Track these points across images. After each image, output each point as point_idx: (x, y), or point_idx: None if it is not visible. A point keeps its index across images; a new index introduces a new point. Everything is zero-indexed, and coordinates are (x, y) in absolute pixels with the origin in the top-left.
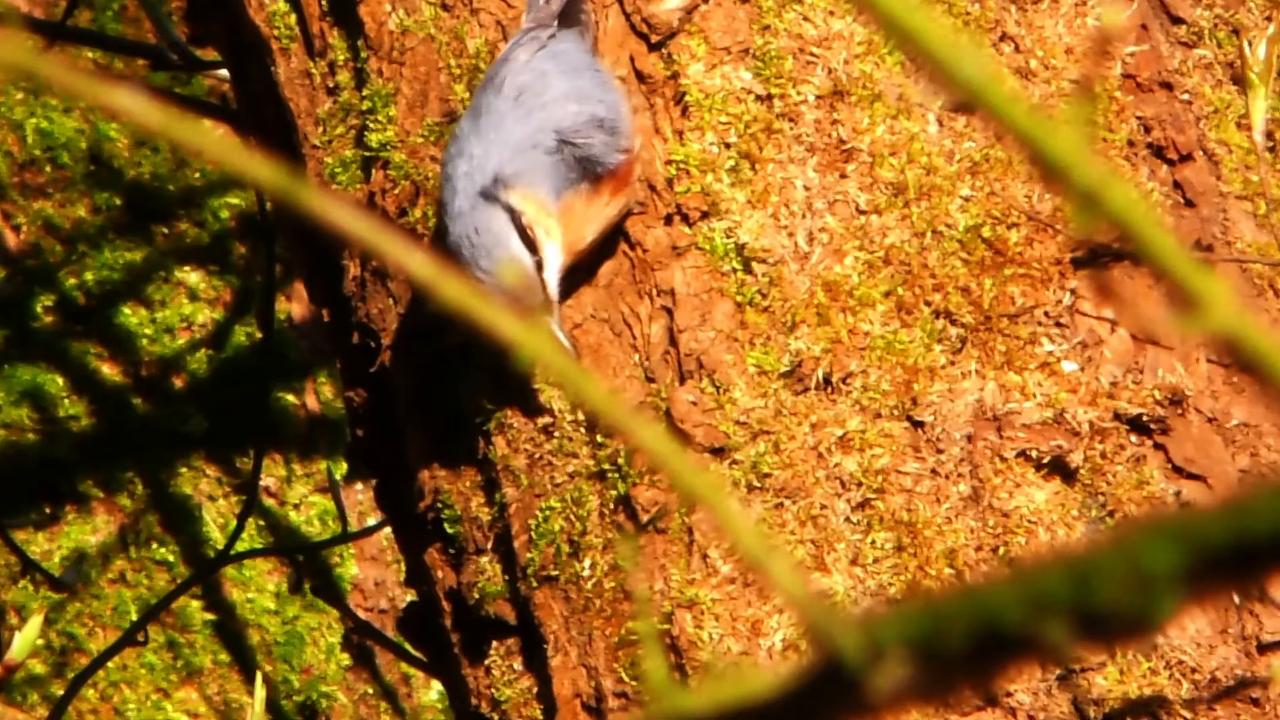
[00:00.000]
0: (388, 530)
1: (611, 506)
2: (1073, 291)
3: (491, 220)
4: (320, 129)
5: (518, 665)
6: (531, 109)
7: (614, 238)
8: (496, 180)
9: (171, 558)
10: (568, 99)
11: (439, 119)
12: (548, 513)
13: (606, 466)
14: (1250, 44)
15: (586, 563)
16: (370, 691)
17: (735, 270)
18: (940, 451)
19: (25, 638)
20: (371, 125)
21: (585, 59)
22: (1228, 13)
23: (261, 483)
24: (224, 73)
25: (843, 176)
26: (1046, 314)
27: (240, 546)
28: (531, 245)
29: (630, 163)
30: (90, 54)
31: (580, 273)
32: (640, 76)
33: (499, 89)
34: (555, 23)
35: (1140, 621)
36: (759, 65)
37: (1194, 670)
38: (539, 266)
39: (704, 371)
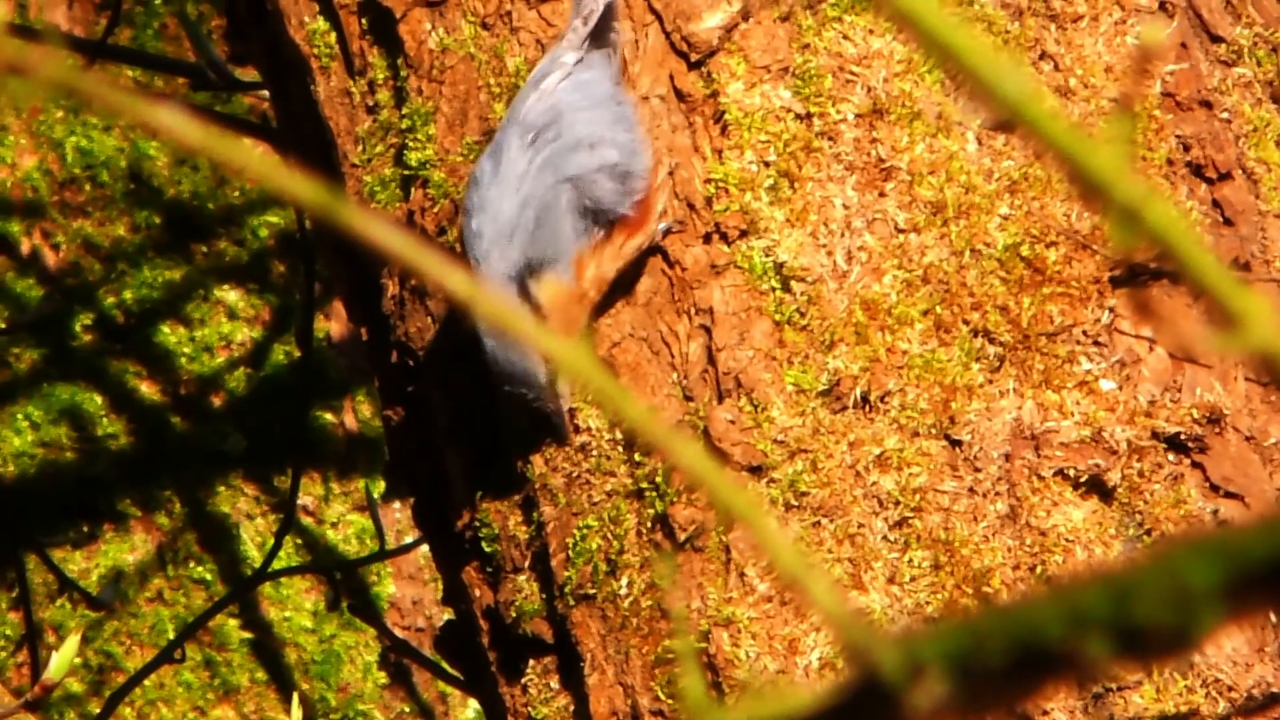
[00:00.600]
0: (425, 548)
1: (649, 525)
2: (1111, 310)
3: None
4: (360, 147)
5: (554, 683)
6: (548, 158)
7: (643, 260)
8: (527, 267)
9: (209, 576)
10: (580, 146)
11: (478, 137)
12: (585, 531)
13: (644, 485)
14: None
15: (624, 581)
16: (407, 710)
17: (774, 289)
18: (978, 470)
19: (63, 657)
20: (411, 144)
21: (608, 90)
22: (1268, 31)
23: (299, 501)
24: (264, 91)
25: (881, 195)
26: (1085, 333)
27: (278, 565)
28: None
29: (647, 202)
30: (130, 72)
31: (614, 293)
32: (680, 95)
33: (521, 126)
34: (585, 44)
35: (1178, 639)
36: (798, 84)
37: (1230, 689)
38: (552, 373)
39: (742, 390)
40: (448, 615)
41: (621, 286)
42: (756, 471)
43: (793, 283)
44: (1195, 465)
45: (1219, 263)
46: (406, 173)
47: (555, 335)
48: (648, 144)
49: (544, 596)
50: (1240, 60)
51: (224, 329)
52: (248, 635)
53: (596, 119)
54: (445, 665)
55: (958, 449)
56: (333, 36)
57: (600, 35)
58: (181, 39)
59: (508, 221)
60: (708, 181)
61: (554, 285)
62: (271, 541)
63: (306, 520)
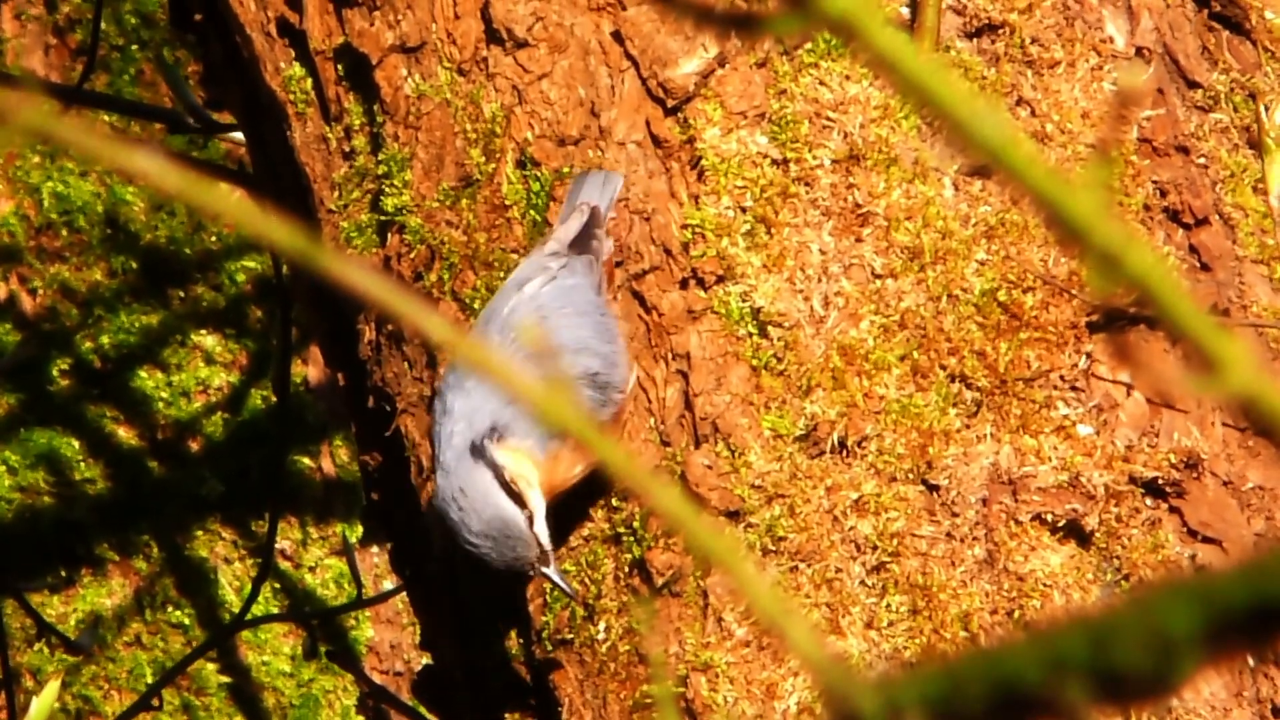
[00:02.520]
0: (403, 593)
1: (627, 570)
2: (1088, 355)
3: (478, 478)
4: (336, 193)
5: None
6: (530, 357)
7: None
8: (492, 430)
9: (187, 620)
10: (564, 351)
11: (455, 183)
12: (563, 576)
13: (622, 530)
14: (1267, 109)
15: (601, 626)
16: None
17: (751, 334)
18: (955, 515)
19: (43, 702)
20: (387, 190)
21: (590, 299)
22: (1244, 77)
23: (277, 546)
24: (241, 136)
25: (858, 240)
26: (1062, 377)
27: (256, 609)
28: (519, 500)
29: (620, 412)
30: (107, 118)
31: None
32: (656, 140)
33: (502, 324)
34: (569, 250)
35: (1157, 683)
36: (775, 129)
37: None
38: (530, 521)
39: (719, 435)
40: (426, 660)
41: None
42: (734, 516)
43: (770, 328)
44: (1173, 510)
45: (1197, 308)
46: (383, 218)
47: (524, 497)
48: (627, 357)
49: (521, 641)
50: (1217, 106)
51: (201, 374)
52: (226, 680)
53: (581, 325)
54: (423, 710)
55: (935, 494)
56: (309, 82)
57: (583, 241)
58: (158, 85)
59: (482, 403)
60: (684, 227)
61: (518, 451)
62: (249, 586)
63: (284, 564)
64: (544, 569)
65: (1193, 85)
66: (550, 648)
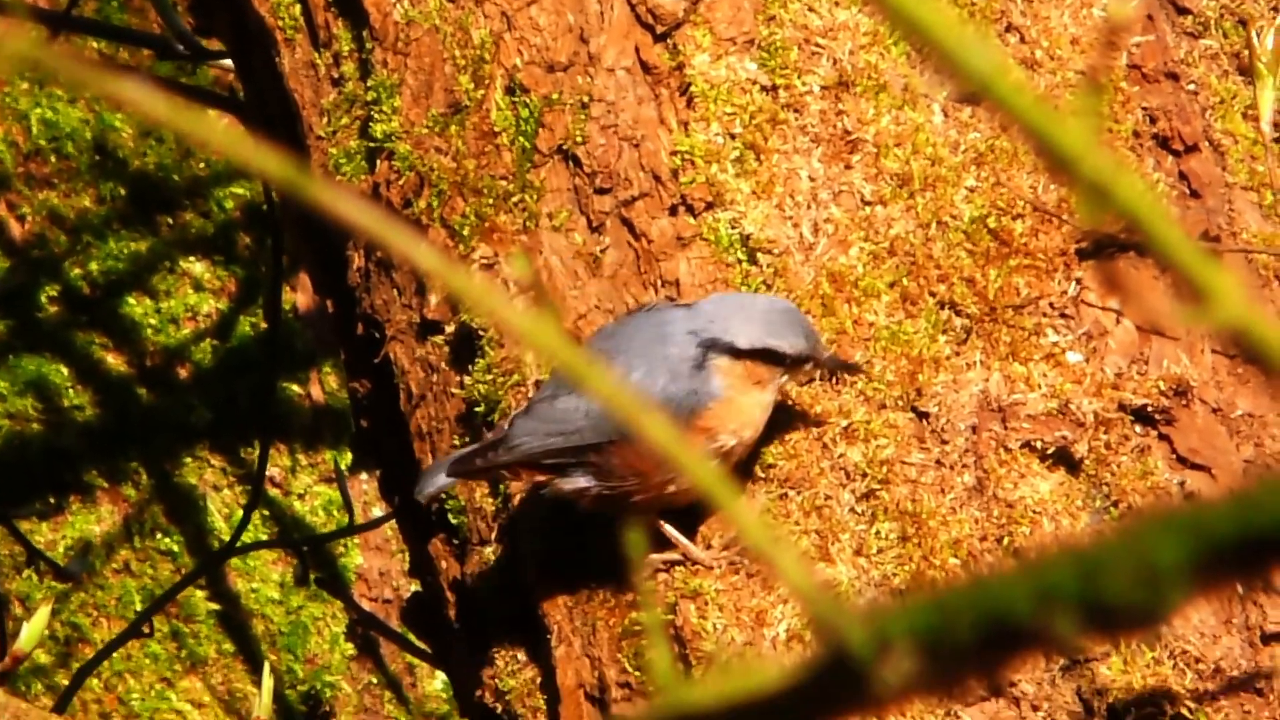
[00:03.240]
0: (392, 520)
1: None
2: (1078, 282)
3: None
4: (325, 120)
5: (522, 656)
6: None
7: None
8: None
9: (176, 548)
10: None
11: (443, 110)
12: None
13: None
14: (1258, 34)
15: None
16: (374, 681)
17: (740, 261)
18: (945, 442)
19: (34, 628)
20: (376, 116)
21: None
22: (1234, 3)
23: (266, 473)
24: (229, 63)
25: (848, 167)
26: (1051, 305)
27: (245, 537)
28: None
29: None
30: (95, 44)
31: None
32: (645, 67)
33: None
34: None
35: (1147, 613)
36: (764, 56)
37: (1198, 660)
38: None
39: None
40: (415, 587)
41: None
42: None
43: (759, 255)
44: (1162, 437)
45: (1186, 235)
46: (372, 145)
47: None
48: None
49: (511, 568)
50: (1207, 32)
51: (190, 301)
52: (215, 607)
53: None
54: (412, 637)
55: (925, 421)
56: (298, 9)
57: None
58: (146, 11)
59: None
60: (673, 154)
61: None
62: (238, 513)
63: (273, 492)
64: (835, 363)
65: (1182, 11)
66: (539, 574)
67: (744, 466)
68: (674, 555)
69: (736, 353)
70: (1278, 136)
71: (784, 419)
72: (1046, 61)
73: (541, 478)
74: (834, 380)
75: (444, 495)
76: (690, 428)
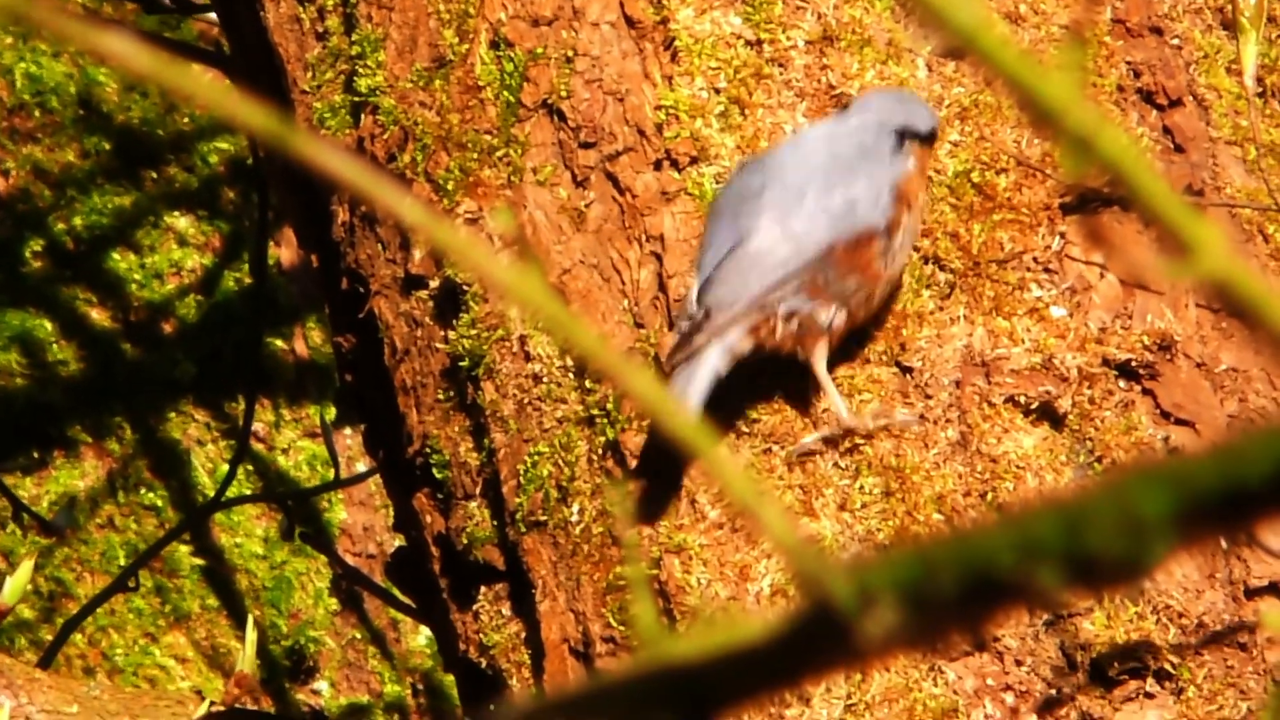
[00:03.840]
0: (376, 475)
1: (600, 452)
2: (1062, 236)
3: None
4: (309, 74)
5: (506, 610)
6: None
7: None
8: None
9: (160, 503)
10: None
11: (428, 64)
12: (536, 458)
13: (595, 412)
14: None
15: (575, 508)
16: (358, 636)
17: None
18: (929, 397)
19: (17, 582)
20: (361, 70)
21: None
22: None
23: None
24: (214, 17)
25: None
26: (1035, 259)
27: (230, 492)
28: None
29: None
30: None
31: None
32: (630, 21)
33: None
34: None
35: (1130, 566)
36: (748, 10)
37: (1181, 615)
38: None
39: None
40: (399, 542)
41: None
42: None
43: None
44: (1146, 392)
45: (1170, 189)
46: (356, 99)
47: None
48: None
49: (495, 523)
50: None
51: (174, 255)
52: (199, 562)
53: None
54: (396, 592)
55: (908, 376)
56: None
57: None
58: None
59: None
60: (658, 108)
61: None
62: (223, 468)
63: (257, 447)
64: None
65: None
66: (524, 529)
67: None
68: (827, 432)
69: (922, 137)
70: (1261, 91)
71: (766, 375)
72: (1030, 16)
73: (785, 329)
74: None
75: (428, 449)
76: (893, 204)
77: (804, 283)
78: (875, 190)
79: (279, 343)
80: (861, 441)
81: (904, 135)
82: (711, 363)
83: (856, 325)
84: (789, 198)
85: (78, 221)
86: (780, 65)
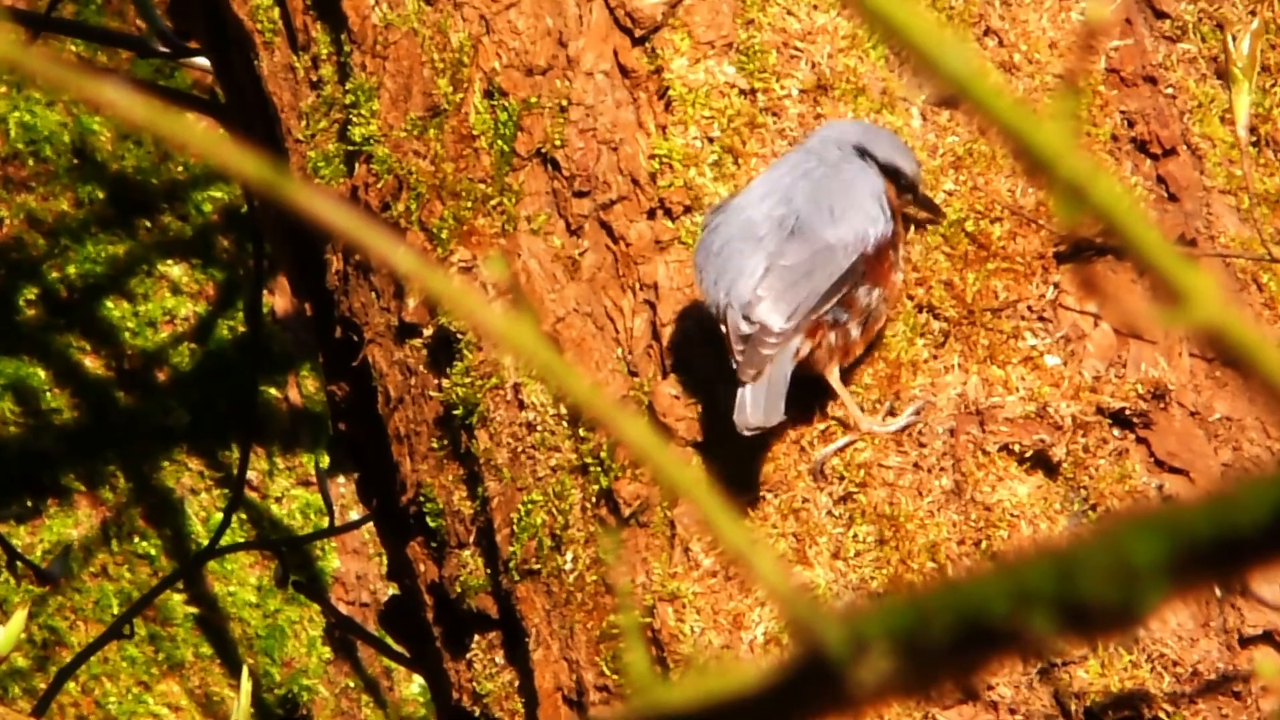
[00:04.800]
0: (370, 523)
1: (594, 500)
2: (1056, 285)
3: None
4: (303, 123)
5: (499, 659)
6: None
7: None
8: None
9: (154, 551)
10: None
11: (422, 113)
12: (530, 506)
13: (589, 460)
14: (1235, 38)
15: (568, 556)
16: (352, 685)
17: None
18: (923, 445)
19: (11, 631)
20: (355, 119)
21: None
22: (1212, 7)
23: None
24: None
25: None
26: (1030, 308)
27: (223, 539)
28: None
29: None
30: (74, 46)
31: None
32: (624, 71)
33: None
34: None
35: (1124, 614)
36: (742, 59)
37: (1176, 663)
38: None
39: (687, 365)
40: (392, 590)
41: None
42: (701, 447)
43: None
44: (1140, 440)
45: (1164, 238)
46: (350, 148)
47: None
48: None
49: (489, 571)
50: (1185, 36)
51: (168, 304)
52: (192, 610)
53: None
54: (390, 641)
55: None
56: (276, 11)
57: None
58: (126, 13)
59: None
60: (652, 157)
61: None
62: (216, 516)
63: (251, 495)
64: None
65: (1160, 15)
66: (517, 577)
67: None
68: (845, 439)
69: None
70: (1254, 140)
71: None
72: (1025, 65)
73: (813, 338)
74: (916, 227)
75: (422, 498)
76: (901, 204)
77: (843, 295)
78: (876, 201)
79: (273, 391)
80: (855, 489)
81: (863, 153)
82: (785, 369)
83: (868, 343)
84: (813, 214)
85: (71, 270)
86: (774, 114)
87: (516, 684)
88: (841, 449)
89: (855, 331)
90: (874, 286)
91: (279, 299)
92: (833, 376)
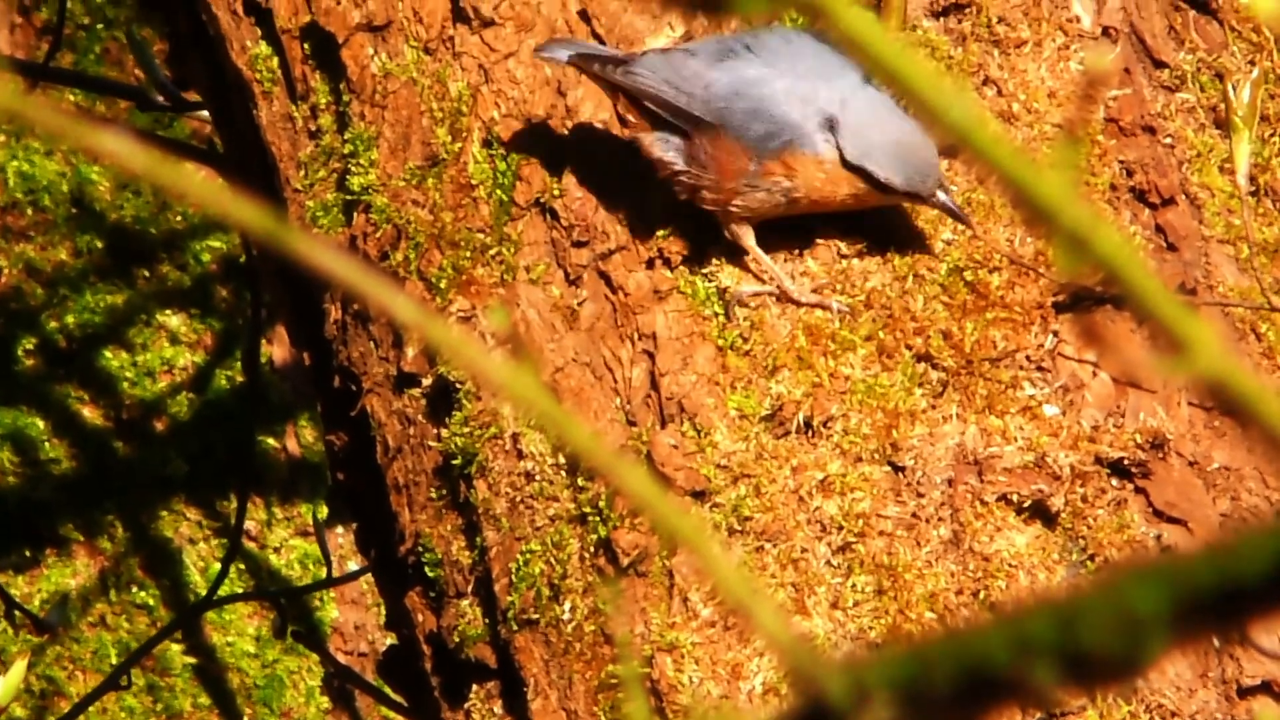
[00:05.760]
0: (368, 573)
1: (592, 550)
2: (1055, 335)
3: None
4: (302, 172)
5: (498, 709)
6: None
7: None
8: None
9: (152, 601)
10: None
11: (421, 162)
12: (528, 556)
13: (587, 510)
14: (1235, 87)
15: (567, 606)
16: None
17: (717, 314)
18: (921, 495)
19: (10, 681)
20: (353, 169)
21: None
22: (1210, 57)
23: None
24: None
25: (826, 219)
26: (1028, 358)
27: (222, 589)
28: None
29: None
30: (73, 96)
31: None
32: (624, 121)
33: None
34: None
35: (1125, 664)
36: None
37: (1174, 714)
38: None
39: (685, 415)
40: (391, 640)
41: None
42: (700, 496)
43: (735, 307)
44: (1139, 490)
45: (1163, 288)
46: (349, 198)
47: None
48: None
49: (487, 621)
50: (1183, 86)
51: (166, 354)
52: (191, 660)
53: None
54: (388, 691)
55: (901, 474)
56: (275, 61)
57: None
58: (124, 63)
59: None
60: (651, 207)
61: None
62: (215, 566)
63: (249, 545)
64: (944, 204)
65: (1159, 65)
66: (515, 627)
67: (818, 227)
68: (765, 288)
69: (842, 158)
70: (1253, 190)
71: (760, 471)
72: (1024, 114)
73: (634, 119)
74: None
75: (420, 548)
76: (773, 156)
77: (681, 130)
78: (775, 120)
79: (271, 441)
80: (854, 539)
81: (832, 130)
82: (563, 60)
83: (737, 218)
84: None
85: (70, 319)
86: None
87: None
88: (757, 294)
89: (698, 188)
90: (710, 166)
91: (277, 348)
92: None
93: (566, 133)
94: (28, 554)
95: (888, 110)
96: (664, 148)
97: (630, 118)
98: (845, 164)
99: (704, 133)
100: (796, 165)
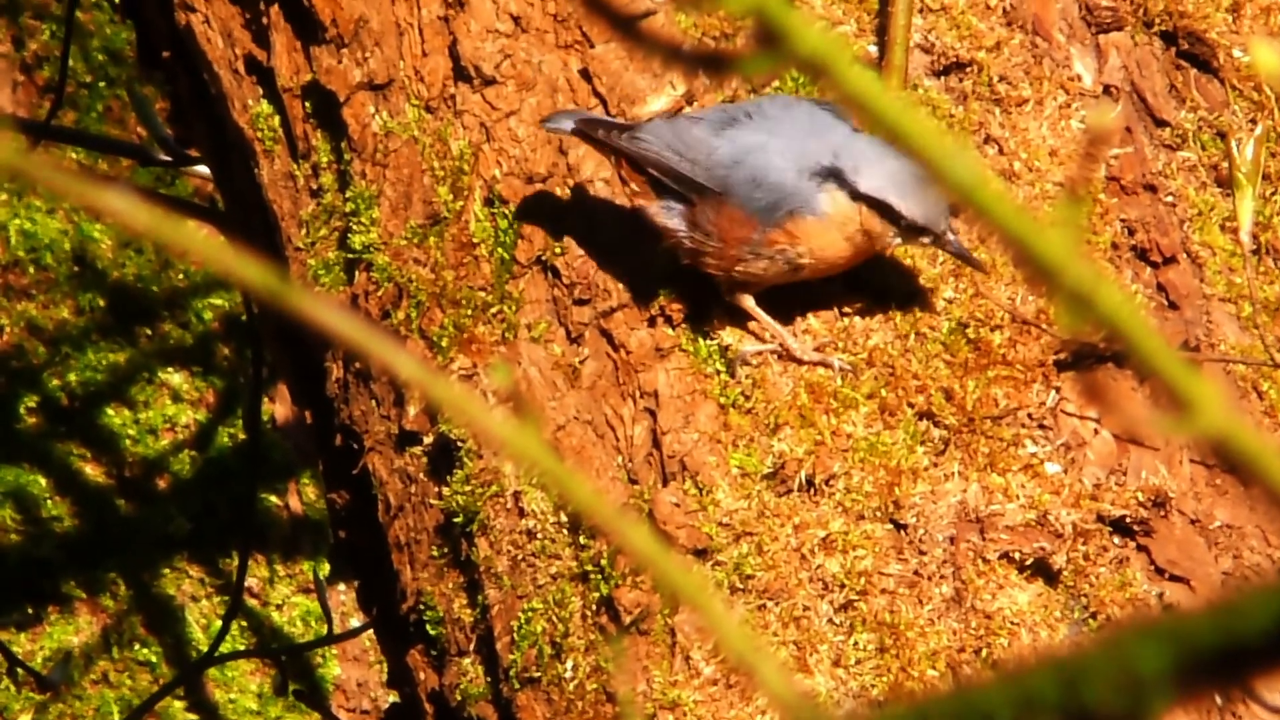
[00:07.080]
0: (370, 631)
1: (594, 608)
2: (1057, 392)
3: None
4: (304, 231)
5: None
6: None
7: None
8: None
9: (154, 658)
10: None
11: (422, 221)
12: (530, 614)
13: (589, 568)
14: (1238, 144)
15: (569, 664)
16: None
17: (719, 372)
18: (923, 553)
19: None
20: (355, 227)
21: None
22: (1212, 115)
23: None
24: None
25: (826, 279)
26: (1030, 415)
27: (223, 647)
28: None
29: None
30: (75, 154)
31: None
32: (623, 180)
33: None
34: None
35: None
36: None
37: None
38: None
39: (687, 473)
40: (393, 698)
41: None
42: (702, 554)
43: (737, 365)
44: (1140, 548)
45: (1165, 346)
46: (350, 256)
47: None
48: None
49: (489, 680)
50: (1185, 144)
51: (169, 411)
52: (193, 718)
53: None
54: None
55: (903, 532)
56: (276, 120)
57: None
58: (126, 121)
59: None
60: (651, 267)
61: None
62: (216, 623)
63: (251, 602)
64: (954, 249)
65: (1161, 123)
66: (518, 685)
67: (820, 285)
68: (768, 346)
69: (855, 194)
70: (1254, 248)
71: (762, 529)
72: (1025, 173)
73: (638, 186)
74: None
75: (422, 606)
76: (776, 225)
77: (685, 198)
78: (771, 190)
79: (273, 498)
80: (856, 597)
81: (832, 178)
82: (569, 130)
83: (742, 286)
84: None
85: (72, 377)
86: None
87: None
88: (760, 352)
89: (701, 253)
90: (713, 233)
91: (279, 406)
92: (746, 302)
93: (568, 191)
94: (30, 611)
95: (889, 151)
96: (668, 215)
97: (633, 184)
98: (858, 197)
99: (708, 200)
100: (799, 232)
